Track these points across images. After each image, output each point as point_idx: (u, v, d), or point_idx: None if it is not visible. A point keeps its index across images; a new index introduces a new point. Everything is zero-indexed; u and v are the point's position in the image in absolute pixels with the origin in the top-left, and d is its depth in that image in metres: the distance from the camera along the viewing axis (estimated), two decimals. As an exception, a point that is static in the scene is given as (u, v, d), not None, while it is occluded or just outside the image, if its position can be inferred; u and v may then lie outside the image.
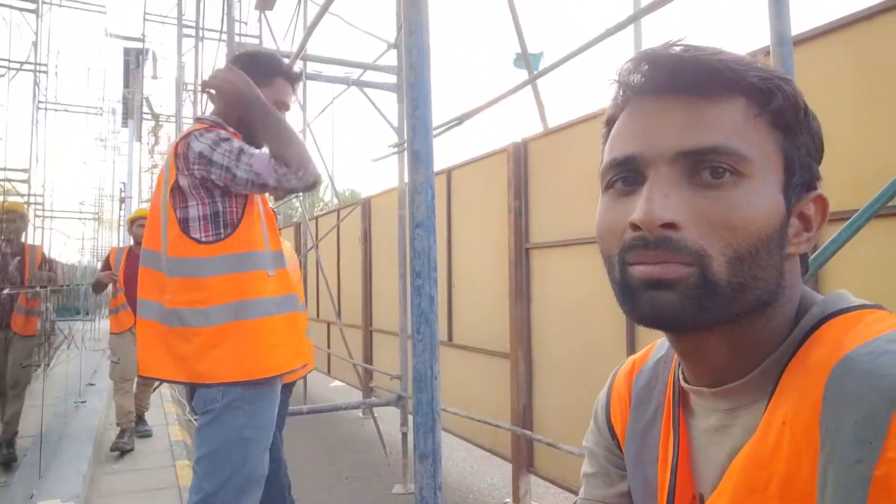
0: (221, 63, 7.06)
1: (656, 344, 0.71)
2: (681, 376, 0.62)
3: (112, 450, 4.43)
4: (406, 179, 4.51)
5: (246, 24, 6.06)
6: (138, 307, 1.87)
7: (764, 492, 0.47)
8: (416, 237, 1.16)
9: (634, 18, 2.45)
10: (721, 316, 0.50)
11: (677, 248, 0.49)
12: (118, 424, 4.66)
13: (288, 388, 2.86)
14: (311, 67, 4.48)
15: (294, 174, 1.68)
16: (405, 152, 3.99)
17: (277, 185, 1.68)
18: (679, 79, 0.52)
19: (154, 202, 1.88)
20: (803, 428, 0.46)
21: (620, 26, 2.46)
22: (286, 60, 3.44)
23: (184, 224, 1.71)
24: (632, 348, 2.85)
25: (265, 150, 1.75)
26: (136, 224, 4.87)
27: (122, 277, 4.66)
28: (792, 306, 0.54)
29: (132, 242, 4.95)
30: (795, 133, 0.53)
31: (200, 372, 1.69)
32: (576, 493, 1.54)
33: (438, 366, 1.17)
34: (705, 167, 0.50)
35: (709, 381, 0.57)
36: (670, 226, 0.49)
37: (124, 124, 19.75)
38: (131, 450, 4.51)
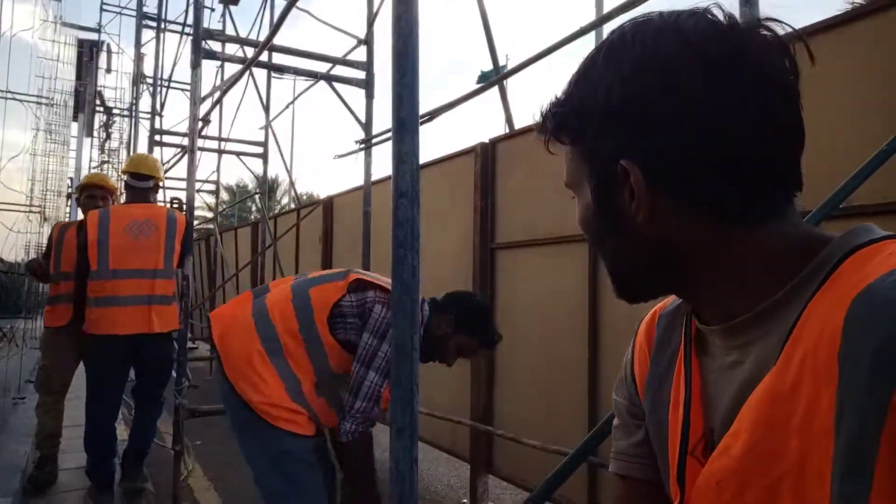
0: (186, 56, 6.89)
1: None
2: (696, 318, 0.62)
3: (29, 482, 3.56)
4: (374, 177, 4.48)
5: (213, 10, 5.97)
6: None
7: (784, 428, 0.47)
8: (400, 207, 1.15)
9: (594, 27, 2.50)
10: (634, 288, 0.63)
11: None
12: (38, 448, 3.77)
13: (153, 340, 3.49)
14: (278, 60, 4.43)
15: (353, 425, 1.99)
16: (372, 149, 3.94)
17: (344, 419, 1.99)
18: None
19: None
20: (824, 361, 0.45)
21: (579, 34, 2.50)
22: (253, 50, 3.37)
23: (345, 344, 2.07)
24: (594, 345, 2.89)
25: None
26: (84, 194, 3.97)
27: (72, 259, 3.67)
28: (775, 242, 0.54)
29: (81, 217, 3.98)
30: (581, 134, 0.60)
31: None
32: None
33: (418, 338, 1.16)
34: None
35: (721, 320, 0.57)
36: None
37: (74, 118, 19.04)
38: (54, 482, 3.66)
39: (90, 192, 3.97)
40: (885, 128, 1.61)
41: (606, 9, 3.45)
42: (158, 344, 3.55)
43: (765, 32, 0.53)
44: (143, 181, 3.72)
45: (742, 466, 0.50)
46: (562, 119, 0.61)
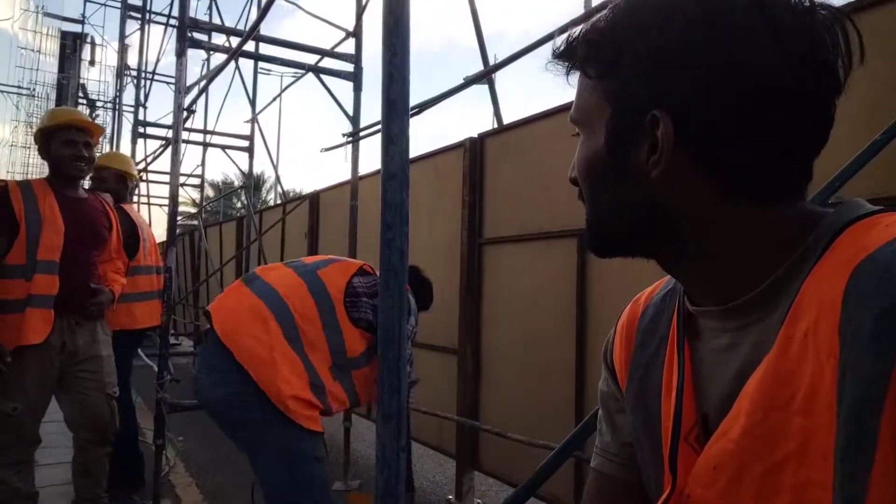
0: (171, 48, 6.83)
1: (664, 280, 0.69)
2: (687, 301, 0.60)
3: None
4: (361, 171, 4.44)
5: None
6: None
7: (787, 409, 0.45)
8: (389, 189, 1.12)
9: (580, 22, 2.50)
10: (612, 243, 0.60)
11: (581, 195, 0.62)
12: None
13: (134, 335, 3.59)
14: (265, 51, 4.37)
15: None
16: (360, 144, 3.90)
17: None
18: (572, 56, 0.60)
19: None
20: (825, 336, 0.43)
21: (565, 30, 2.50)
22: (234, 39, 3.33)
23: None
24: (581, 339, 2.88)
25: None
26: (61, 138, 2.62)
27: (59, 236, 2.55)
28: (784, 222, 0.52)
29: (49, 174, 2.70)
30: (612, 69, 0.55)
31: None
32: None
33: (405, 323, 1.13)
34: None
35: (717, 301, 0.55)
36: (574, 181, 0.62)
37: (57, 111, 18.84)
38: None
39: (69, 137, 2.64)
40: (882, 118, 1.60)
41: (595, 2, 3.43)
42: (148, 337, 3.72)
43: (826, 13, 0.50)
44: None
45: (741, 449, 0.48)
46: (597, 49, 0.55)
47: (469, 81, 3.02)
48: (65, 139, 2.62)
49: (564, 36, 0.59)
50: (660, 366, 0.62)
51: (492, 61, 4.19)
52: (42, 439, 2.67)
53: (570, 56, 0.59)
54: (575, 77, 0.60)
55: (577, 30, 0.58)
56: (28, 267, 2.47)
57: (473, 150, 3.77)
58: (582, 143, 0.60)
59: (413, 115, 3.20)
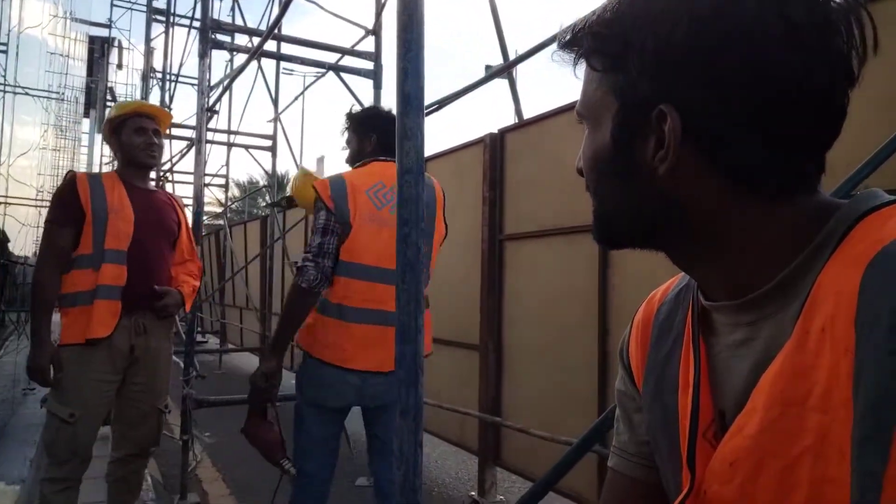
0: (195, 50, 6.92)
1: (678, 277, 0.68)
2: (701, 296, 0.59)
3: None
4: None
5: (221, 0, 5.99)
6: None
7: (803, 404, 0.44)
8: (405, 184, 1.12)
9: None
10: (619, 237, 0.60)
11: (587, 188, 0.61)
12: None
13: None
14: (286, 50, 4.40)
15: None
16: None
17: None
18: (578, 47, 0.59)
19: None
20: (841, 330, 0.43)
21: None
22: (257, 39, 3.36)
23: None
24: (604, 334, 2.86)
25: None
26: (132, 126, 2.54)
27: (129, 224, 2.45)
28: (797, 218, 0.51)
29: (120, 165, 2.63)
30: (621, 64, 0.53)
31: None
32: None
33: (423, 318, 1.13)
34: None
35: (730, 296, 0.54)
36: (580, 171, 0.62)
37: (86, 114, 19.18)
38: None
39: (139, 125, 2.56)
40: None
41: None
42: None
43: (840, 1, 0.49)
44: None
45: (757, 445, 0.47)
46: (604, 42, 0.54)
47: (489, 76, 3.01)
48: (135, 127, 2.54)
49: (570, 27, 0.58)
50: (676, 363, 0.61)
51: (512, 56, 4.17)
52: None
53: (575, 47, 0.58)
54: (581, 69, 0.59)
55: (583, 21, 0.56)
56: (96, 257, 2.38)
57: (493, 146, 3.76)
58: (588, 136, 0.59)
59: (432, 111, 3.20)
